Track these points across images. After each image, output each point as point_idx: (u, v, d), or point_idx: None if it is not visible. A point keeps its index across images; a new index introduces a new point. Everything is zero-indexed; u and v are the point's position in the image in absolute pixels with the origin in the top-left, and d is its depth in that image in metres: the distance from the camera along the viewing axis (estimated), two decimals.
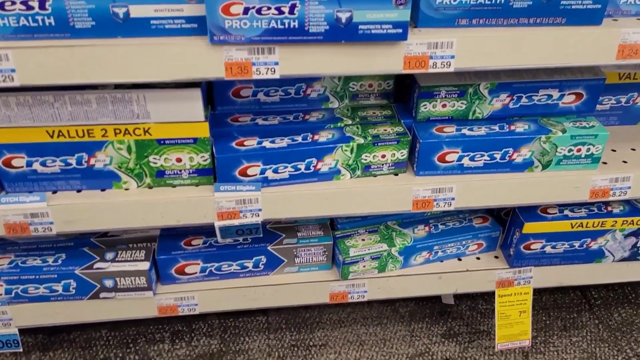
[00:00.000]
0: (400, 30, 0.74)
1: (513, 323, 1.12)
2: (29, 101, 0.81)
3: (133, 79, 0.76)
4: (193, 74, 0.76)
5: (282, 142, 0.89)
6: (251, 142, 0.89)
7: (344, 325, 1.24)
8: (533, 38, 0.78)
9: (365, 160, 0.92)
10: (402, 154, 0.92)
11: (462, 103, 0.93)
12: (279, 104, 0.97)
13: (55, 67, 0.73)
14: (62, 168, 0.87)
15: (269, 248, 1.02)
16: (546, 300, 1.31)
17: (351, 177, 0.93)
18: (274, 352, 1.18)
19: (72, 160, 0.87)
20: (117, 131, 0.84)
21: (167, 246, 1.01)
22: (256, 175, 0.89)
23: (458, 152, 0.91)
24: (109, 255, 0.99)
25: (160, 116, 0.84)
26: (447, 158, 0.92)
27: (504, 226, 1.09)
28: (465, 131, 0.92)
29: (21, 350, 1.08)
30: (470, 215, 1.10)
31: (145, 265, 0.97)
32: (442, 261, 1.09)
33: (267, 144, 0.89)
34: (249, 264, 1.03)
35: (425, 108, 0.93)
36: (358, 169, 0.92)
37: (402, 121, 0.95)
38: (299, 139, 0.90)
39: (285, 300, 1.07)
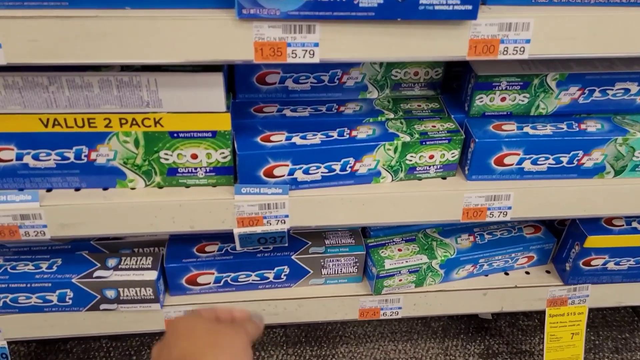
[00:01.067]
0: (469, 7, 0.60)
1: (564, 346, 0.99)
2: (19, 83, 0.68)
3: (143, 59, 0.63)
4: (215, 55, 0.63)
5: (315, 138, 0.76)
6: (279, 138, 0.76)
7: (370, 340, 1.12)
8: (628, 22, 0.65)
9: (411, 161, 0.79)
10: (453, 154, 0.79)
11: (524, 96, 0.80)
12: (310, 92, 0.84)
13: (50, 42, 0.60)
14: (57, 163, 0.74)
15: (293, 257, 0.89)
16: (594, 318, 1.18)
17: (392, 180, 0.81)
18: None
19: (70, 154, 0.74)
20: (123, 121, 0.72)
21: (177, 252, 0.89)
22: (284, 176, 0.76)
23: (519, 154, 0.78)
24: (111, 262, 0.87)
25: (174, 105, 0.71)
26: (506, 161, 0.79)
27: (558, 237, 0.96)
28: (528, 129, 0.79)
29: None
30: (520, 224, 0.97)
31: (153, 275, 0.85)
32: (487, 275, 0.97)
33: (297, 140, 0.76)
34: (270, 275, 0.91)
35: (481, 101, 0.80)
36: (401, 170, 0.80)
37: (452, 116, 0.82)
38: (335, 134, 0.77)
39: (309, 316, 0.94)
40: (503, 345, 1.12)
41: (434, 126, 0.79)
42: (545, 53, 0.66)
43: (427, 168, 0.80)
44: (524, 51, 0.65)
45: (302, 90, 0.84)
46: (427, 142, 0.77)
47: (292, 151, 0.74)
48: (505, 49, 0.65)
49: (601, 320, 1.18)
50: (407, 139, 0.77)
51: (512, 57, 0.65)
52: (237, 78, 0.82)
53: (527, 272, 0.98)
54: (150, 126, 0.72)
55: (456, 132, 0.78)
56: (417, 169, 0.80)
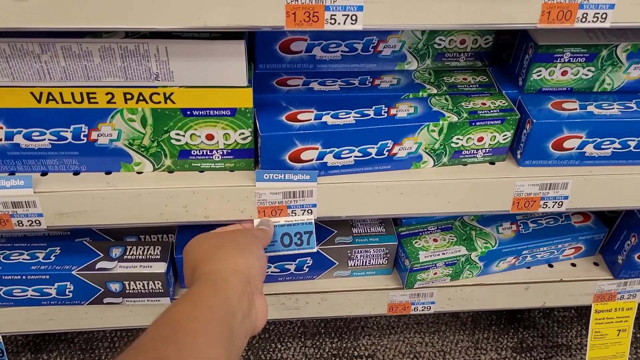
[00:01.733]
0: None
1: (609, 344, 0.91)
2: (6, 51, 0.58)
3: (151, 24, 0.52)
4: (238, 20, 0.53)
5: (349, 118, 0.66)
6: (307, 116, 0.66)
7: (395, 332, 1.04)
8: None
9: (457, 144, 0.69)
10: (505, 136, 0.69)
11: (589, 70, 0.69)
12: (340, 62, 0.74)
13: (41, 3, 0.50)
14: (53, 143, 0.65)
15: (317, 248, 0.80)
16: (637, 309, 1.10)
17: (434, 165, 0.71)
18: None
19: (67, 134, 0.64)
20: (128, 96, 0.61)
21: (188, 240, 0.79)
22: (312, 160, 0.66)
23: (581, 137, 0.68)
24: (116, 252, 0.78)
25: (188, 78, 0.61)
26: (566, 144, 0.69)
27: (609, 226, 0.87)
28: (592, 108, 0.69)
29: None
30: (569, 211, 0.88)
31: (162, 267, 0.76)
32: (529, 267, 0.88)
33: (328, 119, 0.66)
34: (291, 266, 0.82)
35: (539, 75, 0.69)
36: (445, 154, 0.70)
37: (504, 92, 0.72)
38: (371, 113, 0.67)
39: (333, 311, 0.86)
40: (538, 339, 1.04)
41: (484, 104, 0.69)
42: (631, 21, 0.55)
43: (475, 152, 0.70)
44: (605, 18, 0.55)
45: (331, 59, 0.73)
46: (477, 123, 0.67)
47: (323, 132, 0.64)
48: (584, 15, 0.54)
49: None
50: (455, 118, 0.67)
51: (591, 26, 0.55)
52: (257, 45, 0.71)
53: (573, 264, 0.89)
54: (159, 102, 0.62)
55: (510, 111, 0.68)
56: (463, 152, 0.70)
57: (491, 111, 0.68)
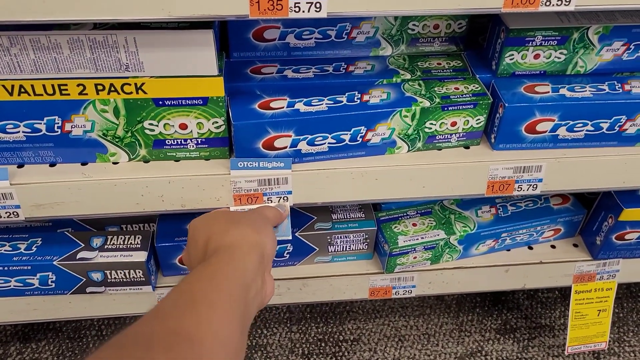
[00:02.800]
0: None
1: (589, 323, 0.92)
2: None
3: (118, 15, 0.52)
4: (203, 10, 0.53)
5: (321, 105, 0.66)
6: (280, 104, 0.66)
7: (380, 316, 1.05)
8: None
9: (430, 129, 0.69)
10: (478, 121, 0.70)
11: (561, 53, 0.69)
12: (315, 49, 0.74)
13: None
14: (27, 135, 0.65)
15: (297, 234, 0.81)
16: (617, 289, 1.10)
17: (409, 151, 0.71)
18: (297, 347, 0.99)
19: (41, 126, 0.64)
20: (100, 87, 0.62)
21: (168, 230, 0.80)
22: (286, 148, 0.67)
23: (554, 120, 0.69)
24: (96, 242, 0.78)
25: (158, 68, 0.61)
26: (539, 127, 0.69)
27: (588, 208, 0.87)
28: (564, 91, 0.69)
29: None
30: (546, 194, 0.88)
31: (142, 256, 0.77)
32: (509, 250, 0.89)
33: (301, 106, 0.66)
34: None
35: (512, 59, 0.69)
36: (419, 140, 0.70)
37: (478, 76, 0.72)
38: (344, 99, 0.67)
39: (315, 296, 0.87)
40: (521, 320, 1.05)
41: (457, 88, 0.69)
42: (595, 4, 0.56)
43: (449, 136, 0.70)
44: (570, 1, 0.55)
45: (305, 47, 0.73)
46: (450, 108, 0.67)
47: (296, 120, 0.65)
48: None
49: (625, 292, 1.11)
50: (427, 104, 0.67)
51: (556, 9, 0.55)
52: (230, 34, 0.71)
53: (553, 246, 0.89)
54: (131, 93, 0.62)
55: (483, 95, 0.68)
56: (437, 137, 0.70)
57: (464, 96, 0.68)
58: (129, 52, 0.59)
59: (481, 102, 0.68)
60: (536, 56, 0.69)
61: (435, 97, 0.68)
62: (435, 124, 0.69)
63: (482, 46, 0.76)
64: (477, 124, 0.70)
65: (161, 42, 0.59)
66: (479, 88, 0.70)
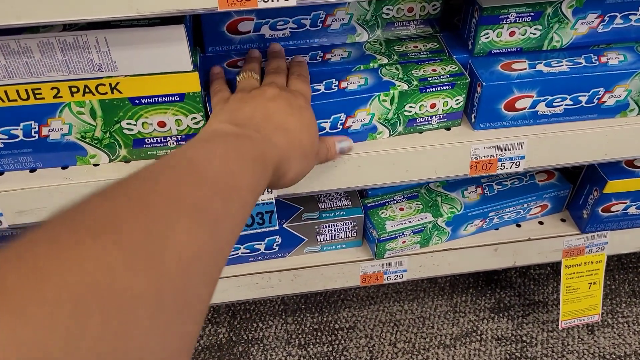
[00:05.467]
0: None
1: (581, 297, 0.93)
2: None
3: (86, 15, 0.52)
4: (171, 4, 0.52)
5: None
6: None
7: (374, 302, 1.05)
8: None
9: (410, 112, 0.69)
10: (457, 101, 0.70)
11: (536, 29, 0.69)
12: (290, 39, 0.73)
13: None
14: (5, 142, 0.65)
15: (285, 226, 0.81)
16: (609, 261, 1.12)
17: (390, 135, 0.71)
18: (293, 338, 1.00)
19: (18, 132, 0.64)
20: (74, 89, 0.61)
21: None
22: None
23: (532, 97, 0.69)
24: None
25: (132, 67, 0.61)
26: (518, 105, 0.69)
27: (573, 182, 0.88)
28: (541, 67, 0.69)
29: None
30: (532, 171, 0.89)
31: None
32: (497, 229, 0.89)
33: None
34: (261, 246, 0.83)
35: (487, 38, 0.69)
36: (400, 124, 0.70)
37: (455, 57, 0.72)
38: (321, 87, 0.67)
39: (307, 286, 0.87)
40: (515, 297, 1.05)
41: (434, 70, 0.69)
42: None
43: (429, 119, 0.70)
44: None
45: (281, 37, 0.73)
46: (428, 90, 0.67)
47: None
48: None
49: (616, 264, 1.11)
50: (405, 87, 0.67)
51: None
52: (204, 28, 0.71)
53: (541, 222, 0.90)
54: (106, 93, 0.62)
55: (460, 75, 0.68)
56: (417, 120, 0.70)
57: (441, 77, 0.68)
58: (100, 52, 0.59)
59: (459, 82, 0.68)
60: (511, 33, 0.69)
61: (413, 80, 0.68)
62: (414, 107, 0.69)
63: (458, 27, 0.76)
64: (456, 104, 0.70)
65: (132, 40, 0.58)
66: (456, 68, 0.69)
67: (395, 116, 0.69)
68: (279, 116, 0.54)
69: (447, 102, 0.69)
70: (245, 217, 0.38)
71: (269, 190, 0.70)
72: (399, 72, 0.69)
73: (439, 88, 0.68)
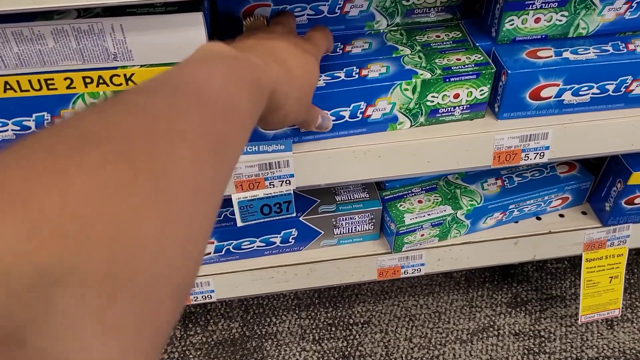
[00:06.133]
0: None
1: (602, 291, 0.91)
2: None
3: (94, 0, 0.50)
4: None
5: (320, 81, 0.64)
6: None
7: (389, 296, 1.04)
8: None
9: (432, 102, 0.67)
10: (482, 92, 0.67)
11: (562, 15, 0.67)
12: (308, 26, 0.71)
13: None
14: (17, 133, 0.63)
15: (301, 218, 0.79)
16: (627, 254, 1.09)
17: (412, 126, 0.69)
18: (307, 334, 0.98)
19: (30, 123, 0.62)
20: (88, 80, 0.59)
21: None
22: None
23: (558, 85, 0.67)
24: None
25: (147, 56, 0.59)
26: (543, 93, 0.67)
27: (595, 174, 0.86)
28: (567, 55, 0.67)
29: None
30: (552, 162, 0.87)
31: None
32: (517, 222, 0.87)
33: None
34: (277, 239, 0.81)
35: (512, 24, 0.67)
36: (421, 114, 0.68)
37: (478, 44, 0.70)
38: (342, 75, 0.65)
39: (323, 281, 0.85)
40: (532, 292, 1.04)
41: (459, 59, 0.67)
42: None
43: (452, 109, 0.68)
44: None
45: (298, 24, 0.71)
46: (452, 79, 0.65)
47: None
48: None
49: (635, 257, 1.10)
50: (428, 75, 0.65)
51: None
52: (221, 16, 0.69)
53: (561, 215, 0.88)
54: (120, 84, 0.60)
55: (485, 64, 0.66)
56: (439, 111, 0.68)
57: (466, 66, 0.66)
58: (116, 40, 0.57)
59: (484, 71, 0.66)
60: (537, 20, 0.67)
61: (436, 69, 0.66)
62: (437, 97, 0.67)
63: (480, 14, 0.74)
64: (480, 95, 0.68)
65: (149, 27, 0.57)
66: (482, 58, 0.67)
67: (417, 106, 0.67)
68: (282, 52, 0.51)
69: (471, 92, 0.67)
70: (244, 141, 0.37)
71: (286, 182, 0.69)
72: (422, 61, 0.67)
73: (463, 77, 0.66)
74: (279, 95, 0.46)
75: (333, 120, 0.66)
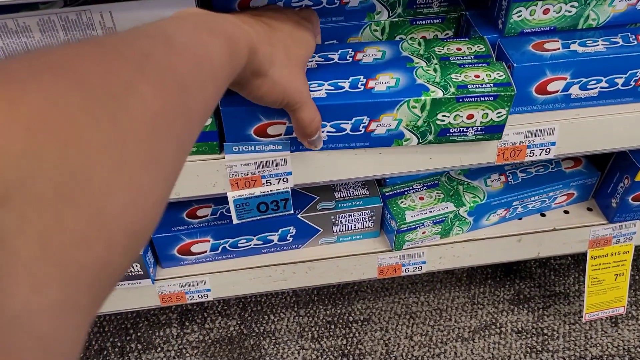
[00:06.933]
0: None
1: (607, 289, 0.89)
2: None
3: None
4: None
5: (320, 91, 0.61)
6: None
7: (389, 293, 1.02)
8: None
9: (443, 121, 0.63)
10: (499, 114, 0.62)
11: (571, 6, 0.64)
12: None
13: None
14: None
15: (299, 216, 0.77)
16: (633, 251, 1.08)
17: (419, 143, 0.65)
18: (306, 331, 0.96)
19: None
20: None
21: (164, 220, 0.76)
22: (280, 135, 0.62)
23: (566, 79, 0.64)
24: None
25: None
26: (550, 87, 0.65)
27: (601, 170, 0.84)
28: (575, 47, 0.64)
29: None
30: (558, 158, 0.84)
31: None
32: (520, 219, 0.85)
33: None
34: (274, 237, 0.79)
35: (520, 16, 0.65)
36: (430, 132, 0.64)
37: (485, 36, 0.67)
38: (346, 85, 0.61)
39: (322, 279, 0.83)
40: (535, 289, 1.02)
41: (478, 76, 0.62)
42: None
43: (464, 130, 0.64)
44: None
45: None
46: (466, 99, 0.61)
47: None
48: None
49: (639, 253, 1.08)
50: (439, 94, 0.60)
51: None
52: (214, 3, 0.66)
53: (566, 212, 0.86)
54: None
55: (506, 85, 0.61)
56: (450, 130, 0.64)
57: (484, 85, 0.61)
58: (106, 29, 0.55)
59: (503, 93, 0.60)
60: (545, 11, 0.65)
61: (450, 86, 0.61)
62: (448, 117, 0.62)
63: (485, 5, 0.71)
64: (497, 117, 0.63)
65: (139, 15, 0.54)
66: (503, 76, 0.62)
67: (426, 124, 0.63)
68: (268, 18, 0.50)
69: (487, 114, 0.62)
70: (216, 93, 0.36)
71: (283, 180, 0.66)
72: (436, 76, 0.62)
73: (479, 99, 0.61)
74: (261, 56, 0.44)
75: (333, 133, 0.63)
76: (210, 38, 0.36)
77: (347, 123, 0.61)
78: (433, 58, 0.65)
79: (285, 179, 0.66)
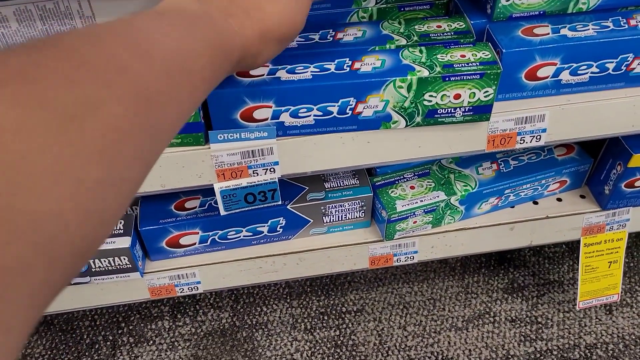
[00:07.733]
0: None
1: (600, 276, 0.88)
2: None
3: None
4: None
5: (306, 73, 0.60)
6: (261, 71, 0.61)
7: (383, 284, 1.01)
8: None
9: (429, 102, 0.62)
10: (486, 93, 0.62)
11: None
12: None
13: None
14: None
15: (289, 207, 0.76)
16: (627, 238, 1.07)
17: (407, 126, 0.64)
18: (299, 323, 0.96)
19: None
20: None
21: (152, 212, 0.76)
22: (267, 119, 0.61)
23: (556, 64, 0.63)
24: None
25: None
26: (539, 73, 0.64)
27: (594, 156, 0.83)
28: (565, 32, 0.63)
29: None
30: (550, 145, 0.83)
31: (126, 242, 0.72)
32: (513, 207, 0.84)
33: (282, 74, 0.60)
34: (264, 228, 0.78)
35: (508, 0, 0.63)
36: (418, 114, 0.63)
37: (472, 22, 0.66)
38: (332, 67, 0.61)
39: (313, 270, 0.82)
40: (529, 277, 1.01)
41: (464, 55, 0.62)
42: None
43: (452, 111, 0.63)
44: None
45: None
46: (452, 78, 0.60)
47: (276, 89, 0.59)
48: None
49: (634, 240, 1.07)
50: (425, 73, 0.60)
51: None
52: None
53: (559, 199, 0.85)
54: None
55: (492, 63, 0.60)
56: (438, 111, 0.63)
57: (470, 64, 0.61)
58: (84, 17, 0.53)
59: (489, 71, 0.60)
60: None
61: (436, 66, 0.60)
62: (435, 97, 0.62)
63: None
64: (485, 96, 0.62)
65: (118, 3, 0.53)
66: (489, 56, 0.61)
67: (413, 105, 0.62)
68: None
69: (474, 93, 0.62)
70: (194, 105, 0.35)
71: (270, 171, 0.65)
72: (422, 56, 0.62)
73: (465, 77, 0.60)
74: (252, 52, 0.44)
75: (320, 116, 0.62)
76: (193, 49, 0.34)
77: (334, 105, 0.60)
78: (413, 35, 0.65)
79: (272, 169, 0.65)
